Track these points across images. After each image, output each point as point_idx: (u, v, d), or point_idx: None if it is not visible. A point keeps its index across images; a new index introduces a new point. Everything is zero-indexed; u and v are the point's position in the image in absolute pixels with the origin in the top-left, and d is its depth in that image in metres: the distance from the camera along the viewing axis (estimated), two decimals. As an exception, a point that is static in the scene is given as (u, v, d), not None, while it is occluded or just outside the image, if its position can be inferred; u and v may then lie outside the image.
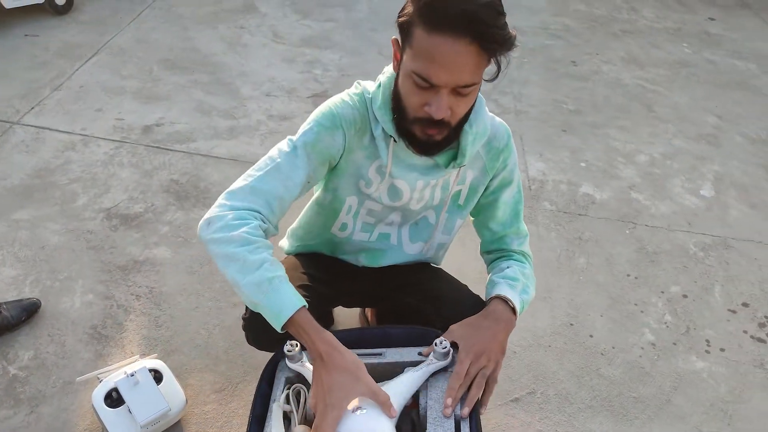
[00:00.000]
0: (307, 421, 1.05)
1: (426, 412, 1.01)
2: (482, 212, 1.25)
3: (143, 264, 1.85)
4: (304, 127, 1.08)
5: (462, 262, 1.90)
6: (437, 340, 1.06)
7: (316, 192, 1.25)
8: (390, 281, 1.32)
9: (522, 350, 1.75)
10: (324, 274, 1.29)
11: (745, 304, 2.01)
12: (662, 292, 2.02)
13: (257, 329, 1.21)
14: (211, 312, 1.73)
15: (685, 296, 2.01)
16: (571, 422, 1.56)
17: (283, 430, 1.00)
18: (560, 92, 3.17)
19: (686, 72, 3.57)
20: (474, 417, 1.01)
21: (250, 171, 1.07)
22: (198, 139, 2.43)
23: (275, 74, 2.96)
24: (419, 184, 1.13)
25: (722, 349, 1.84)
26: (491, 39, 0.86)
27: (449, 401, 0.99)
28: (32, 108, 2.48)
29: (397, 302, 1.34)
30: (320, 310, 1.34)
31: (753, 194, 2.56)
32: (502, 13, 0.88)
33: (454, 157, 1.09)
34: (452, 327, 1.10)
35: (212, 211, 1.02)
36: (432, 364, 1.06)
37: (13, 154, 2.22)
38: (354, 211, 1.21)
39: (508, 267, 1.21)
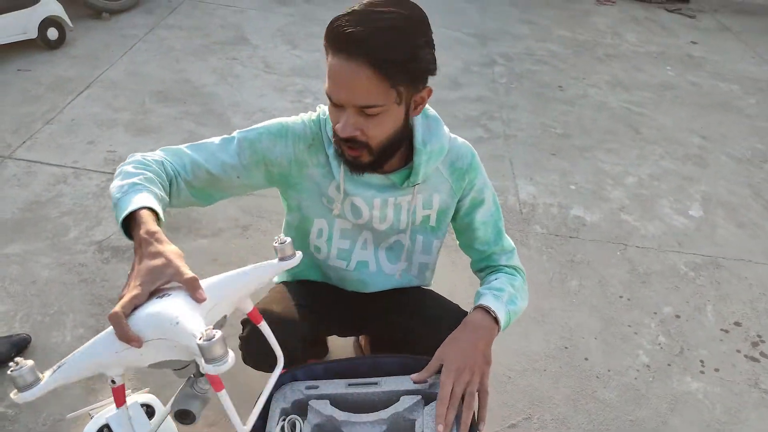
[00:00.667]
0: (302, 453, 1.04)
1: None
2: (463, 235, 1.26)
3: (135, 296, 1.84)
4: (250, 128, 1.12)
5: (453, 282, 1.91)
6: (276, 238, 0.91)
7: (286, 215, 1.26)
8: (380, 304, 1.32)
9: (517, 375, 1.74)
10: (315, 301, 1.29)
11: (737, 323, 2.02)
12: (655, 313, 2.02)
13: (253, 349, 1.22)
14: (204, 344, 1.72)
15: (677, 317, 2.02)
16: (569, 447, 1.56)
17: (278, 462, 1.00)
18: (548, 116, 3.22)
19: (671, 94, 3.64)
20: None
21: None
22: (190, 170, 2.44)
23: (266, 104, 2.99)
24: (376, 202, 1.15)
25: (716, 369, 1.84)
26: (383, 62, 0.90)
27: (440, 428, 0.98)
28: (24, 142, 2.49)
29: (387, 323, 1.34)
30: (313, 337, 1.34)
31: (740, 213, 2.59)
32: (409, 37, 0.92)
33: (409, 176, 1.11)
34: (444, 343, 1.07)
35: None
36: (266, 264, 0.92)
37: (4, 188, 2.22)
38: (327, 236, 1.22)
39: (495, 279, 1.21)
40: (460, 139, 1.19)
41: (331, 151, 1.11)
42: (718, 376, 1.82)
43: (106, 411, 1.37)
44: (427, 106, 1.09)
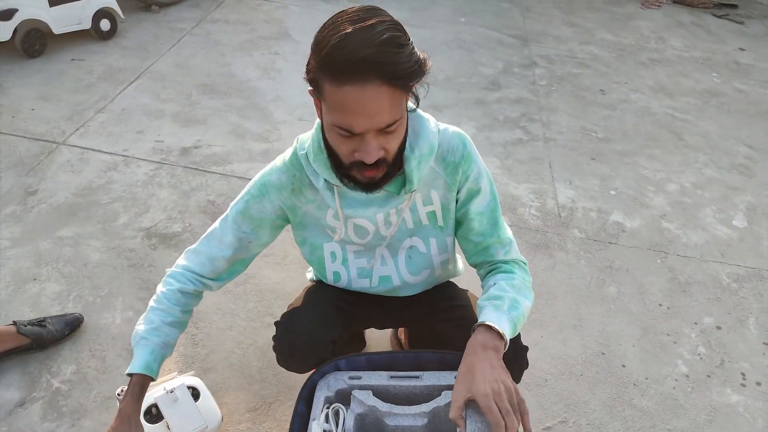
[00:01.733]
0: (346, 440, 1.07)
1: None
2: (459, 226, 1.22)
3: (181, 282, 1.90)
4: (240, 194, 1.21)
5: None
6: None
7: (300, 249, 1.30)
8: (416, 308, 1.33)
9: (553, 378, 1.74)
10: (347, 302, 1.31)
11: (780, 338, 1.98)
12: (695, 323, 2.00)
13: (284, 351, 1.25)
14: (245, 332, 1.77)
15: (719, 328, 1.99)
16: (604, 453, 1.55)
17: (324, 449, 1.03)
18: (589, 120, 3.18)
19: (716, 101, 3.56)
20: None
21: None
22: (234, 162, 2.50)
23: (308, 99, 3.03)
24: (379, 217, 1.14)
25: (758, 383, 1.81)
26: (399, 76, 0.86)
27: None
28: (77, 129, 2.58)
29: (427, 327, 1.35)
30: (351, 331, 1.36)
31: (787, 225, 2.53)
32: (405, 44, 0.88)
33: (404, 184, 1.09)
34: (457, 379, 1.02)
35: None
36: None
37: (59, 173, 2.31)
38: (341, 258, 1.24)
39: (493, 284, 1.14)
40: (451, 129, 1.13)
41: (320, 183, 1.09)
42: (760, 390, 1.79)
43: (154, 391, 1.43)
44: (409, 103, 1.03)
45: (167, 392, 1.41)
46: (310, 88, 0.95)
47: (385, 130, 0.92)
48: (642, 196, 2.62)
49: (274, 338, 1.27)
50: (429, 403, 1.12)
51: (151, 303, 1.20)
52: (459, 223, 1.22)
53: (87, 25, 3.22)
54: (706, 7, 5.18)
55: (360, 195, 1.09)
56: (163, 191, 2.29)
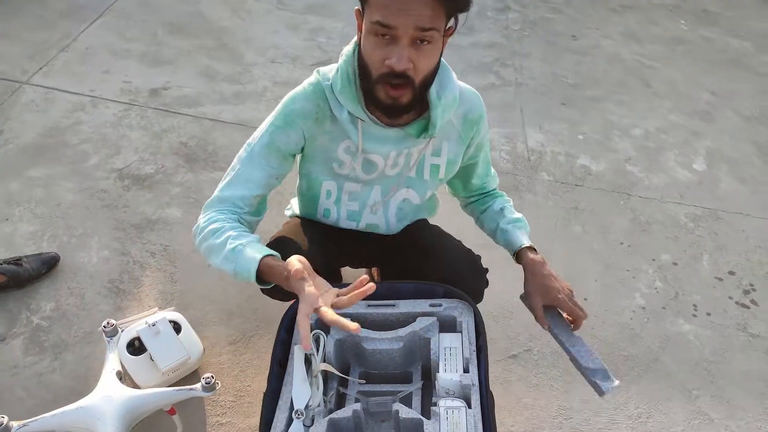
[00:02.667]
0: (326, 362, 1.13)
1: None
2: (461, 174, 1.33)
3: (156, 223, 1.91)
4: (260, 129, 1.16)
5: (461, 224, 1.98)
6: (204, 375, 1.26)
7: (298, 181, 1.32)
8: (392, 243, 1.39)
9: (519, 311, 1.83)
10: (328, 238, 1.35)
11: (731, 273, 2.11)
12: (653, 260, 2.11)
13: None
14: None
15: (675, 264, 2.11)
16: (564, 377, 1.66)
17: (304, 368, 1.09)
18: (560, 66, 3.22)
19: (682, 49, 3.62)
20: (484, 386, 1.07)
21: (222, 179, 1.18)
22: (205, 104, 2.47)
23: (280, 41, 2.98)
24: (392, 154, 1.18)
25: (708, 314, 1.94)
26: None
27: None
28: (40, 68, 2.50)
29: (402, 263, 1.41)
30: (331, 268, 1.41)
31: (743, 169, 2.65)
32: None
33: (425, 129, 1.14)
34: (531, 293, 1.24)
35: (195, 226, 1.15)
36: (193, 392, 1.26)
37: (23, 113, 2.25)
38: (335, 197, 1.27)
39: (503, 208, 1.36)
40: (467, 87, 1.21)
41: (344, 115, 1.11)
42: (709, 320, 1.92)
43: (137, 324, 1.47)
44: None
45: (149, 326, 1.45)
46: (357, 7, 1.02)
47: (420, 37, 0.96)
48: (608, 141, 2.69)
49: None
50: (405, 328, 1.18)
51: (210, 240, 1.08)
52: (461, 173, 1.33)
53: (43, -42, 3.05)
54: (678, -46, 5.17)
55: (378, 131, 1.13)
56: (134, 132, 2.25)
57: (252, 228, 1.19)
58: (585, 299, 1.91)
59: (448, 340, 1.16)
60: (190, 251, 1.83)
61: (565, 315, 1.24)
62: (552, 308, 1.24)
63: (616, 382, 1.12)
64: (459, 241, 1.37)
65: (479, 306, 1.22)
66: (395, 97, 1.03)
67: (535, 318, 1.24)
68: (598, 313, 1.88)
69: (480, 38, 3.34)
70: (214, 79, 2.63)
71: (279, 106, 1.16)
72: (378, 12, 0.95)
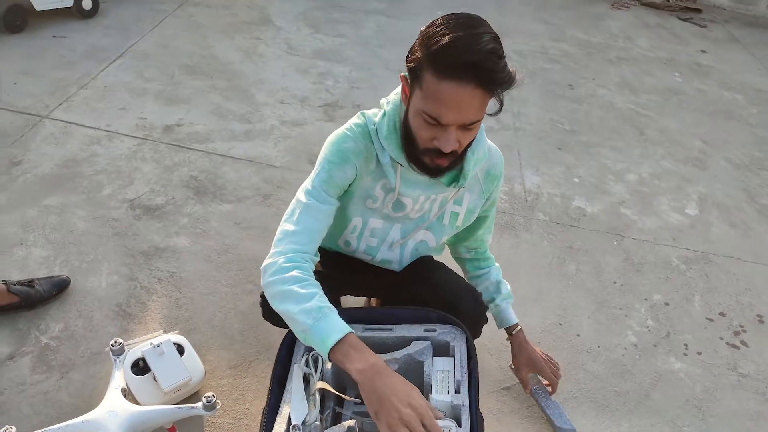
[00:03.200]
0: (324, 381, 1.18)
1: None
2: (468, 228, 1.44)
3: (164, 251, 1.99)
4: (315, 170, 1.21)
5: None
6: (206, 395, 1.33)
7: None
8: (397, 275, 1.45)
9: (514, 344, 1.88)
10: (332, 268, 1.42)
11: (722, 314, 2.16)
12: (645, 299, 2.16)
13: (271, 311, 1.35)
14: (227, 297, 1.86)
15: (666, 304, 2.16)
16: (557, 410, 1.69)
17: (303, 386, 1.14)
18: (557, 112, 3.34)
19: (676, 99, 3.76)
20: (474, 408, 1.13)
21: (285, 219, 1.20)
22: (216, 140, 2.58)
23: (289, 83, 3.12)
24: (421, 198, 1.27)
25: (699, 353, 1.98)
26: (495, 83, 0.99)
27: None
28: (60, 104, 2.63)
29: (405, 293, 1.47)
30: (334, 297, 1.47)
31: (734, 214, 2.73)
32: (503, 56, 0.99)
33: (456, 179, 1.23)
34: (520, 366, 1.62)
35: (266, 260, 1.15)
36: (194, 410, 1.33)
37: (42, 145, 2.36)
38: (358, 232, 1.35)
39: (499, 282, 1.57)
40: (493, 146, 1.32)
41: (386, 159, 1.19)
42: (699, 359, 1.96)
43: (142, 346, 1.52)
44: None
45: (154, 347, 1.50)
46: (403, 74, 1.08)
47: (467, 127, 1.04)
48: (603, 184, 2.78)
49: (262, 295, 1.37)
50: (400, 351, 1.24)
51: (292, 285, 1.09)
52: (471, 226, 1.44)
53: (69, 3, 3.24)
54: (672, 11, 5.41)
55: (418, 177, 1.20)
56: (147, 165, 2.36)
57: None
58: (578, 335, 1.96)
59: (441, 363, 1.22)
60: (195, 278, 1.90)
61: (545, 381, 1.63)
62: (533, 375, 1.64)
63: None
64: (462, 278, 1.45)
65: (476, 341, 1.28)
66: (440, 165, 1.11)
67: (522, 384, 1.63)
68: (591, 349, 1.92)
69: (480, 85, 3.48)
70: (226, 117, 2.76)
71: (328, 146, 1.21)
72: (429, 104, 1.01)
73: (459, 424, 1.09)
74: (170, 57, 3.16)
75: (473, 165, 1.21)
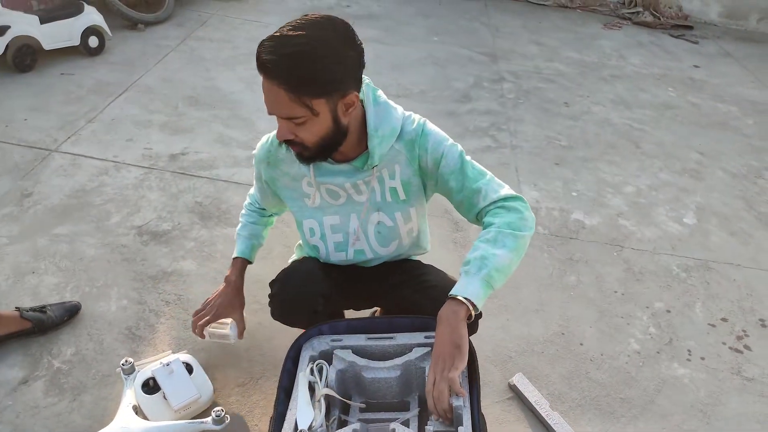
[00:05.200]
0: (328, 388, 1.22)
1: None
2: (444, 193, 1.37)
3: (171, 275, 2.03)
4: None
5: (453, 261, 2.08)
6: (215, 409, 1.42)
7: None
8: (387, 280, 1.51)
9: (517, 355, 1.91)
10: (331, 271, 1.47)
11: (724, 320, 2.17)
12: (647, 307, 2.18)
13: (279, 303, 1.44)
14: (233, 317, 1.90)
15: (668, 311, 2.18)
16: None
17: (308, 393, 1.17)
18: (553, 129, 3.41)
19: (671, 113, 3.82)
20: (476, 409, 1.15)
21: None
22: (219, 167, 2.65)
23: (289, 111, 3.20)
24: (348, 185, 1.33)
25: (702, 358, 2.00)
26: (289, 85, 1.06)
27: (431, 415, 1.16)
28: (69, 137, 2.71)
29: (396, 297, 1.51)
30: (331, 294, 1.49)
31: (732, 222, 2.76)
32: (313, 63, 1.05)
33: (368, 160, 1.29)
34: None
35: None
36: (204, 425, 1.38)
37: (52, 177, 2.43)
38: (319, 233, 1.42)
39: (473, 248, 1.24)
40: (414, 116, 1.33)
41: (292, 155, 1.28)
42: (703, 364, 1.97)
43: (152, 365, 1.56)
44: (378, 93, 1.27)
45: (164, 366, 1.54)
46: None
47: (293, 121, 1.12)
48: (601, 197, 2.83)
49: (270, 294, 1.45)
50: (401, 357, 1.27)
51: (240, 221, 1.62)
52: (442, 190, 1.37)
53: (76, 41, 3.36)
54: (664, 28, 5.52)
55: (329, 165, 1.30)
56: (153, 193, 2.42)
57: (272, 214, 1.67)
58: (581, 344, 1.98)
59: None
60: (202, 300, 1.93)
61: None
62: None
63: None
64: (451, 276, 1.48)
65: (476, 344, 1.28)
66: (297, 152, 1.22)
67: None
68: (594, 357, 1.94)
69: (477, 105, 3.56)
70: (229, 145, 2.83)
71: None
72: None
73: (461, 425, 1.12)
74: (174, 89, 3.25)
75: (378, 142, 1.25)
